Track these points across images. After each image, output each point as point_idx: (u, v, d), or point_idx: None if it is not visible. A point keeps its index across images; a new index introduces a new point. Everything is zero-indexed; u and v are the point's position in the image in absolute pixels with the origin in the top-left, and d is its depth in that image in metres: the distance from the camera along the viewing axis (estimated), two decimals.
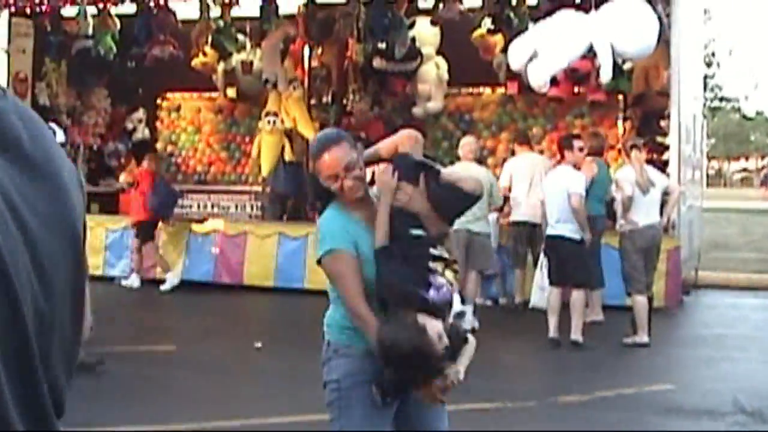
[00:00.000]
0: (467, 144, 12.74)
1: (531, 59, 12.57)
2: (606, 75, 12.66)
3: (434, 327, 4.15)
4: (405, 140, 4.66)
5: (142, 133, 19.50)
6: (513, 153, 14.71)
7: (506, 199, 13.62)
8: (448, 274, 4.39)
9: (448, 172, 4.79)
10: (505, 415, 8.14)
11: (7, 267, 1.56)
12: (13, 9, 17.13)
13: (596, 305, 12.45)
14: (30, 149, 1.67)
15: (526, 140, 14.59)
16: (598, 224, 11.78)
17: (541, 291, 12.02)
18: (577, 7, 13.21)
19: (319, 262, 4.50)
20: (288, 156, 16.64)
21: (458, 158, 12.58)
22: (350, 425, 4.41)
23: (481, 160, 13.68)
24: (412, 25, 16.36)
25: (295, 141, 16.88)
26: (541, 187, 12.66)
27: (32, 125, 1.71)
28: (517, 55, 12.99)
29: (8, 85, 17.41)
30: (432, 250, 4.41)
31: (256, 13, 17.38)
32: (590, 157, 12.21)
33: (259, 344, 10.99)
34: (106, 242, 16.55)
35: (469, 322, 11.97)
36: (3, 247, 1.55)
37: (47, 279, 1.67)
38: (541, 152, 15.83)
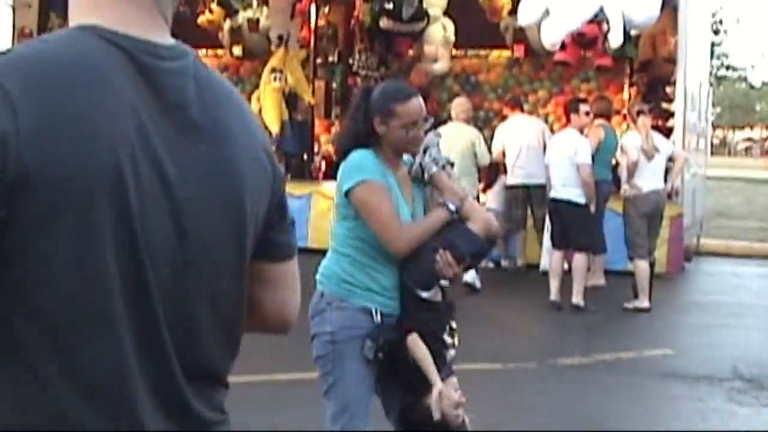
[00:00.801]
0: (460, 104, 12.73)
1: (542, 18, 12.58)
2: (616, 40, 12.67)
3: (450, 400, 4.30)
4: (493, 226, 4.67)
5: None
6: (504, 117, 14.64)
7: (499, 165, 13.66)
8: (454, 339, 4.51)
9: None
10: (505, 375, 8.20)
11: (135, 225, 1.61)
12: None
13: (598, 270, 12.48)
14: (197, 114, 1.70)
15: (518, 104, 14.50)
16: (603, 189, 11.76)
17: (549, 255, 12.04)
18: None
19: (346, 194, 4.33)
20: (284, 115, 16.60)
21: (450, 118, 12.58)
22: (344, 379, 4.34)
23: (472, 121, 13.52)
24: None
25: (299, 100, 16.85)
26: (539, 149, 12.72)
27: (209, 91, 1.75)
28: (527, 12, 12.98)
29: (14, 39, 17.35)
30: (449, 325, 4.44)
31: None
32: (599, 121, 12.19)
33: None
34: None
35: (472, 277, 12.00)
36: (134, 206, 1.60)
37: (189, 238, 1.70)
38: (546, 116, 15.78)
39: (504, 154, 13.33)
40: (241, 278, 1.85)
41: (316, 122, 18.03)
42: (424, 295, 4.31)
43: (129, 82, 1.62)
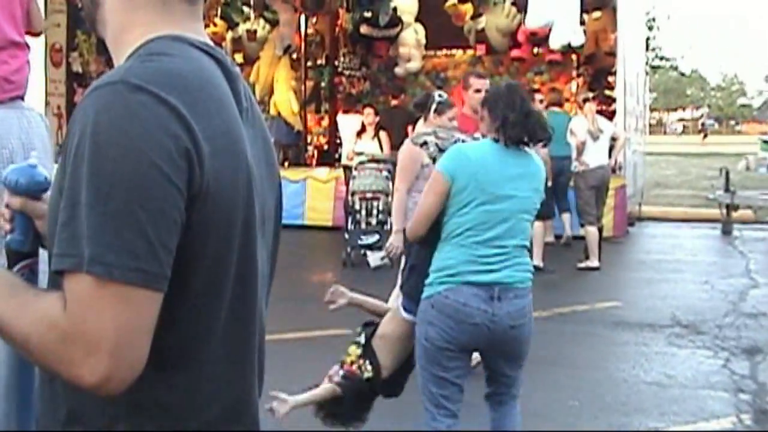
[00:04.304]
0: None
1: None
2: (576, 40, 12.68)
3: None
4: None
5: None
6: None
7: None
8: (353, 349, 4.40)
9: None
10: None
11: (256, 224, 1.55)
12: None
13: (568, 228, 12.82)
14: (249, 108, 1.59)
15: None
16: (564, 164, 11.81)
17: None
18: None
19: None
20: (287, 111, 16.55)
21: None
22: None
23: None
24: None
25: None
26: None
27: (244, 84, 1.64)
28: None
29: (46, 55, 17.14)
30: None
31: None
32: (552, 109, 12.27)
33: None
34: None
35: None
36: (257, 207, 1.54)
37: (265, 218, 1.62)
38: None
39: None
40: (275, 259, 1.75)
41: (309, 117, 17.99)
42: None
43: (227, 90, 1.52)
